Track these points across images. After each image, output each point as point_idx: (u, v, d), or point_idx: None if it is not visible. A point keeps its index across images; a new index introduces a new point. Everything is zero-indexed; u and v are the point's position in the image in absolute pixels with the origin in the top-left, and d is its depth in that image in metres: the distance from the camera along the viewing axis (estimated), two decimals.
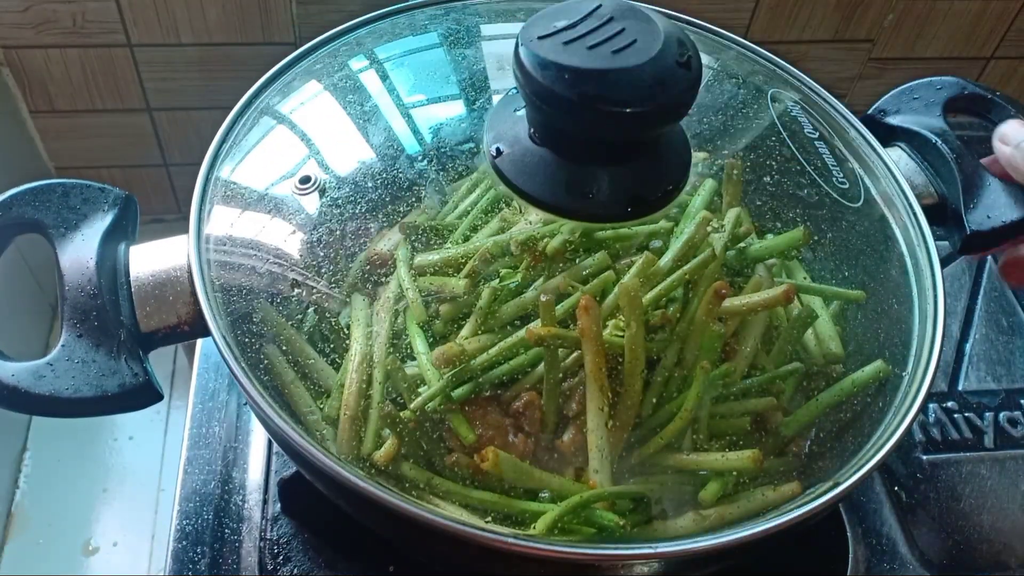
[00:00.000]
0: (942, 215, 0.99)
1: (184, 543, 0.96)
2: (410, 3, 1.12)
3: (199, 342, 1.13)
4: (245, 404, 1.08)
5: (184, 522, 0.98)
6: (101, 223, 0.85)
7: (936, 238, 0.99)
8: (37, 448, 2.25)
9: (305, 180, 0.91)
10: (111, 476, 2.22)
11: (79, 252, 0.83)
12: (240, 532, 0.97)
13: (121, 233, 0.87)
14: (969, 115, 1.08)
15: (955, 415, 1.16)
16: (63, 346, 0.78)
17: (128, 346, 0.79)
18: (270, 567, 0.95)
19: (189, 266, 0.83)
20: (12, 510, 2.14)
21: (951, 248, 1.01)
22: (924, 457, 1.11)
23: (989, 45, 2.28)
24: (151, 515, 2.16)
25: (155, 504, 2.17)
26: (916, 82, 1.07)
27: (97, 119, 2.15)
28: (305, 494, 0.96)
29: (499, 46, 1.05)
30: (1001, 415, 1.17)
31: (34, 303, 2.26)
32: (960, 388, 1.19)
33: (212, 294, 0.82)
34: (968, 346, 1.24)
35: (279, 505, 0.99)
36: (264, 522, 0.98)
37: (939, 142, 0.99)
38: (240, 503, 0.99)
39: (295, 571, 0.95)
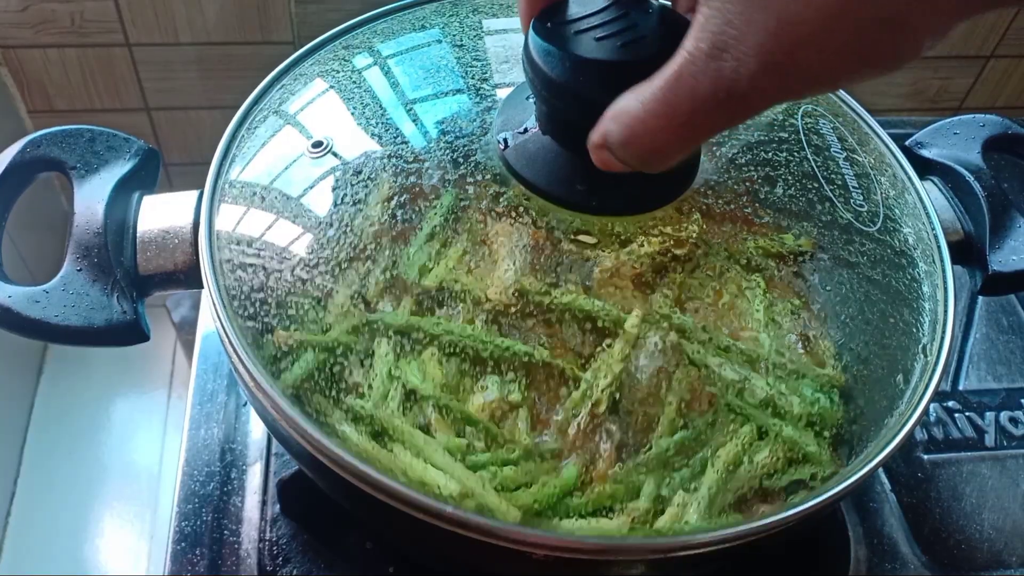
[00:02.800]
0: (966, 254, 0.99)
1: (183, 544, 0.96)
2: (408, 1, 1.12)
3: (198, 343, 1.13)
4: (245, 405, 1.08)
5: (183, 523, 0.97)
6: (120, 169, 0.91)
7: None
8: (36, 448, 2.25)
9: (317, 145, 0.96)
10: (111, 476, 2.22)
11: (94, 193, 0.88)
12: (239, 533, 0.97)
13: (138, 182, 0.93)
14: (1010, 155, 1.07)
15: (956, 414, 1.16)
16: (61, 277, 0.84)
17: (122, 285, 0.84)
18: (269, 568, 0.95)
19: (196, 217, 0.88)
20: (11, 510, 2.14)
21: (972, 288, 1.01)
22: (925, 456, 1.11)
23: (989, 44, 2.28)
24: (151, 515, 2.16)
25: (155, 504, 2.17)
26: (959, 118, 1.06)
27: (96, 119, 2.15)
28: (305, 495, 0.96)
29: (506, 39, 1.06)
30: (1002, 414, 1.16)
31: None
32: (961, 387, 1.19)
33: (214, 245, 0.86)
34: (968, 345, 1.24)
35: (279, 506, 0.99)
36: (263, 523, 0.98)
37: (972, 180, 0.98)
38: (239, 504, 0.99)
39: (295, 572, 0.95)
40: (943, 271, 0.91)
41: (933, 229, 0.95)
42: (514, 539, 0.71)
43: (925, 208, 0.96)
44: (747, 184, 1.22)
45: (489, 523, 0.71)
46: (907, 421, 0.81)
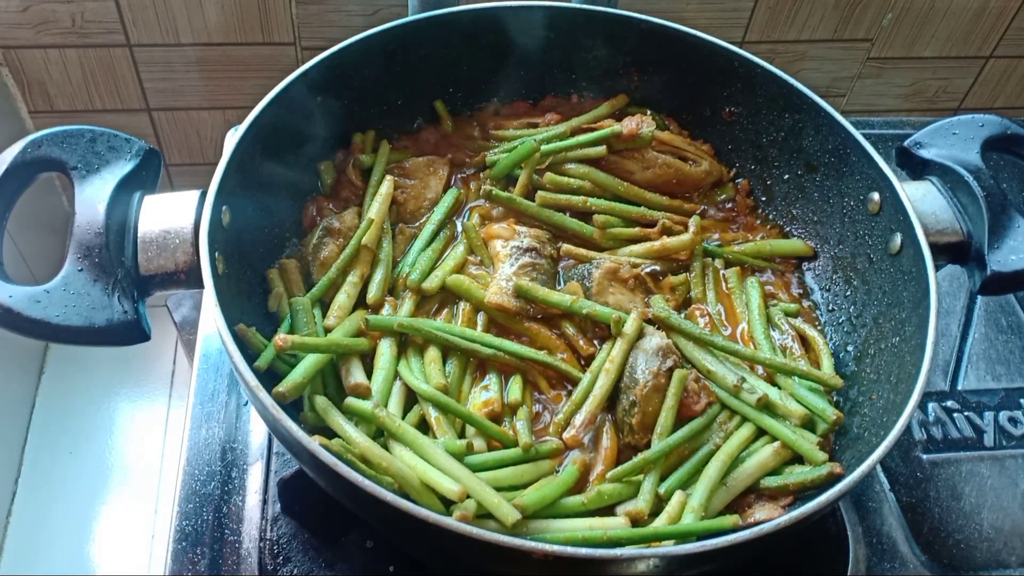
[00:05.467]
0: (965, 254, 0.99)
1: (184, 543, 0.96)
2: (406, 19, 1.13)
3: (200, 343, 1.14)
4: (245, 404, 1.08)
5: (184, 522, 0.98)
6: (120, 170, 0.92)
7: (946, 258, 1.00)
8: (37, 448, 2.25)
9: None
10: (111, 476, 2.22)
11: (95, 193, 0.89)
12: (240, 532, 0.97)
13: (139, 182, 0.93)
14: (1009, 155, 1.07)
15: (955, 414, 1.16)
16: (62, 277, 0.84)
17: (123, 285, 0.85)
18: (270, 567, 0.95)
19: (198, 217, 0.88)
20: (12, 510, 2.14)
21: (971, 288, 1.01)
22: (924, 456, 1.12)
23: (988, 44, 2.28)
24: (151, 515, 2.16)
25: (155, 504, 2.17)
26: (958, 118, 1.06)
27: (96, 119, 2.15)
28: (305, 494, 0.96)
29: None
30: (1001, 414, 1.17)
31: None
32: (960, 387, 1.19)
33: (214, 248, 0.86)
34: (968, 345, 1.24)
35: (279, 505, 0.99)
36: (264, 522, 0.98)
37: (971, 179, 0.98)
38: (240, 503, 0.99)
39: (295, 571, 0.95)
40: (927, 273, 0.92)
41: (919, 233, 0.95)
42: (507, 547, 0.71)
43: (909, 214, 0.96)
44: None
45: (482, 533, 0.71)
46: (901, 419, 0.81)
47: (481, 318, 1.02)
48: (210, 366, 1.11)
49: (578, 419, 0.93)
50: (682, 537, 0.82)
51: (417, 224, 1.12)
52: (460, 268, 1.06)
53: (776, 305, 1.09)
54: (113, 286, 0.84)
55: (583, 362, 1.00)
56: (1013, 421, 1.16)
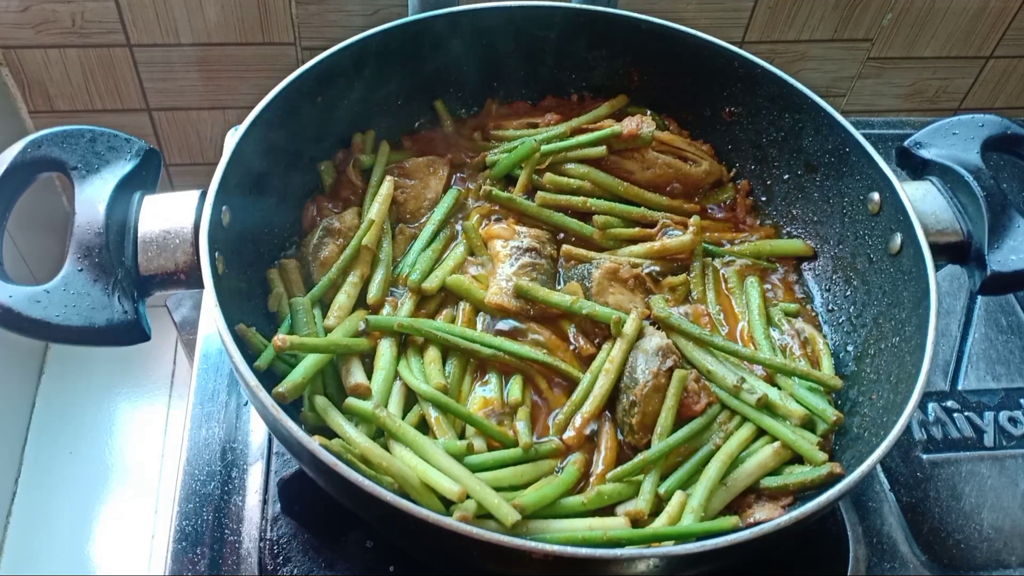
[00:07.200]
0: (965, 254, 0.99)
1: (184, 544, 0.96)
2: (407, 19, 1.13)
3: (200, 343, 1.14)
4: (245, 404, 1.08)
5: (184, 523, 0.98)
6: (120, 170, 0.92)
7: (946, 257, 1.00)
8: (37, 448, 2.25)
9: None
10: (112, 476, 2.22)
11: (95, 193, 0.89)
12: (240, 532, 0.97)
13: (139, 182, 0.93)
14: (1009, 155, 1.07)
15: (955, 414, 1.16)
16: (62, 277, 0.84)
17: (123, 285, 0.85)
18: (270, 567, 0.95)
19: (198, 217, 0.89)
20: (12, 509, 2.14)
21: (971, 288, 1.01)
22: (924, 456, 1.11)
23: (988, 44, 2.28)
24: (151, 515, 2.16)
25: (155, 504, 2.17)
26: (958, 118, 1.06)
27: (96, 119, 2.15)
28: (306, 494, 0.96)
29: None
30: (1001, 414, 1.17)
31: None
32: (960, 387, 1.19)
33: (214, 248, 0.86)
34: (968, 345, 1.24)
35: (279, 505, 0.99)
36: (264, 522, 0.98)
37: (971, 179, 0.98)
38: (240, 503, 0.99)
39: (295, 571, 0.95)
40: (927, 273, 0.92)
41: (919, 233, 0.95)
42: (507, 547, 0.71)
43: (909, 214, 0.96)
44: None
45: (482, 533, 0.71)
46: (901, 419, 0.81)
47: (481, 318, 1.02)
48: (210, 366, 1.11)
49: (578, 420, 0.93)
50: (682, 537, 0.82)
51: (417, 224, 1.12)
52: (460, 268, 1.06)
53: (776, 305, 1.09)
54: (113, 286, 0.84)
55: (583, 362, 1.00)
56: (1013, 421, 1.16)
